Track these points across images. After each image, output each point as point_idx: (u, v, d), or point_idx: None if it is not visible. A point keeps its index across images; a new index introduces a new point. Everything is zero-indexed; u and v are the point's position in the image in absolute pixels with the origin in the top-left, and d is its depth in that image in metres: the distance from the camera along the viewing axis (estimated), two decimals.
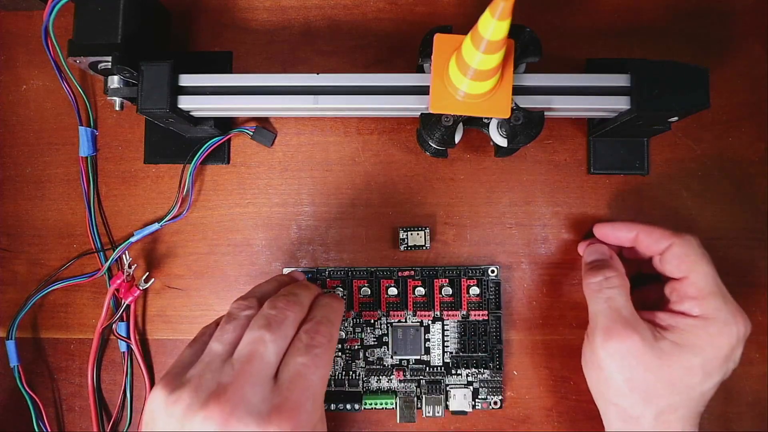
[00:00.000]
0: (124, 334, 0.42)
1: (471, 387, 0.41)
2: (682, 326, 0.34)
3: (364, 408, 0.41)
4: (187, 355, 0.32)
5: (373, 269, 0.42)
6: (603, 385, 0.36)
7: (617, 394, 0.35)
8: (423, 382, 0.41)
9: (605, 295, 0.36)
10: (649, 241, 0.37)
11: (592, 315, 0.37)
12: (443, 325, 0.42)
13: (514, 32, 0.33)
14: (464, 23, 0.34)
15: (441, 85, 0.34)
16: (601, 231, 0.40)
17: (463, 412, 0.41)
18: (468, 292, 0.41)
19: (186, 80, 0.37)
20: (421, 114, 0.36)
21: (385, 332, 0.42)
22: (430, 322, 0.42)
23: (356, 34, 0.44)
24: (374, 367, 0.42)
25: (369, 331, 0.42)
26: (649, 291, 0.40)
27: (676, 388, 0.34)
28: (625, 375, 0.34)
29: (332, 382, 0.42)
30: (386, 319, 0.42)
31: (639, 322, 0.35)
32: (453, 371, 0.41)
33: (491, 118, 0.37)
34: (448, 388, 0.41)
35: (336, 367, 0.42)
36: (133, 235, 0.42)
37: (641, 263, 0.40)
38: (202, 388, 0.29)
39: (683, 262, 0.35)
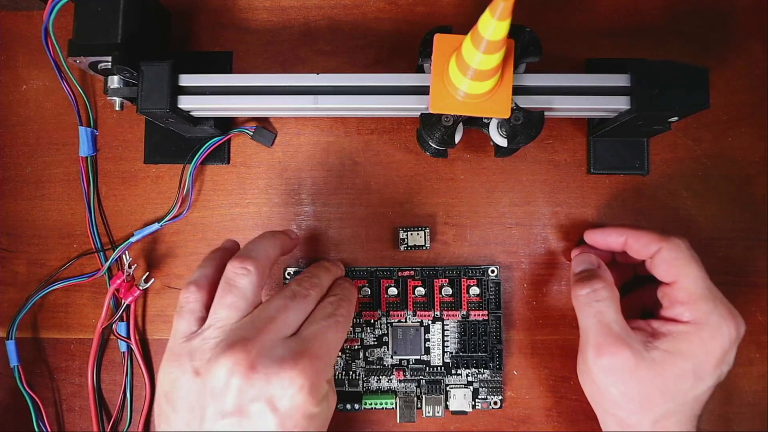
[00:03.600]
0: (124, 334, 0.42)
1: (471, 387, 0.41)
2: (674, 333, 0.34)
3: (364, 408, 0.41)
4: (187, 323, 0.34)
5: (373, 269, 0.42)
6: (598, 396, 0.36)
7: (613, 405, 0.35)
8: (423, 382, 0.42)
9: (594, 308, 0.35)
10: (638, 245, 0.37)
11: (582, 329, 0.36)
12: (443, 325, 0.42)
13: (514, 32, 0.33)
14: (464, 23, 0.34)
15: (441, 85, 0.34)
16: (592, 237, 0.40)
17: (463, 412, 0.41)
18: (468, 292, 0.41)
19: (186, 80, 0.37)
20: (421, 114, 0.36)
21: (385, 332, 0.42)
22: (430, 322, 0.42)
23: (356, 34, 0.44)
24: (374, 367, 0.42)
25: (369, 331, 0.42)
26: (645, 293, 0.40)
27: (669, 394, 0.34)
28: (619, 388, 0.34)
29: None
30: (386, 319, 0.42)
31: (629, 334, 0.34)
32: (453, 371, 0.41)
33: (491, 118, 0.37)
34: (448, 388, 0.41)
35: (336, 367, 0.42)
36: (133, 235, 0.42)
37: (636, 266, 0.40)
38: (227, 335, 0.31)
39: (672, 266, 0.35)
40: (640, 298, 0.40)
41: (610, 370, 0.34)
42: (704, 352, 0.34)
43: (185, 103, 0.37)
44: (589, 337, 0.35)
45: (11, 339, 0.42)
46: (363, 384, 0.42)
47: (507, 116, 0.34)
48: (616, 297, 0.36)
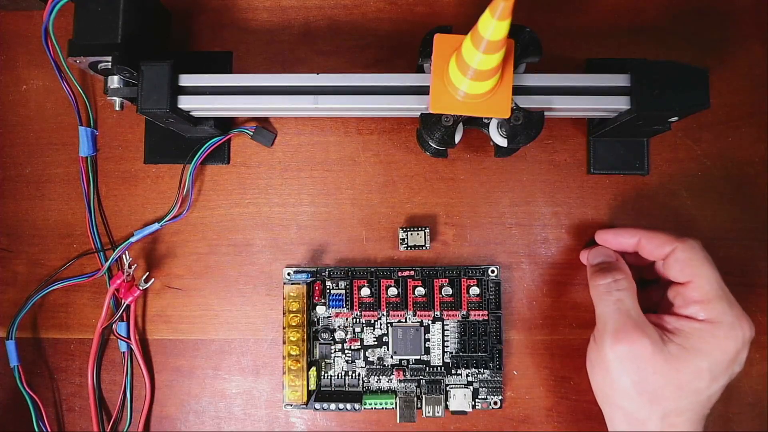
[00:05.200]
0: (124, 334, 0.42)
1: (471, 387, 0.41)
2: (688, 330, 0.35)
3: (364, 408, 0.40)
4: None
5: (373, 269, 0.42)
6: (609, 387, 0.36)
7: (623, 397, 0.35)
8: (423, 382, 0.42)
9: (614, 297, 0.36)
10: (651, 246, 0.37)
11: (600, 317, 0.37)
12: (443, 325, 0.42)
13: (514, 32, 0.33)
14: (464, 23, 0.34)
15: (441, 85, 0.34)
16: (603, 237, 0.40)
17: (463, 412, 0.41)
18: (468, 292, 0.41)
19: (186, 80, 0.37)
20: (421, 114, 0.36)
21: (385, 332, 0.42)
22: (430, 322, 0.42)
23: (356, 34, 0.44)
24: (374, 367, 0.42)
25: (369, 331, 0.42)
26: (651, 293, 0.40)
27: (683, 391, 0.34)
28: (633, 378, 0.34)
29: (332, 382, 0.42)
30: (386, 319, 0.42)
31: (647, 324, 0.35)
32: (453, 371, 0.41)
33: (491, 118, 0.37)
34: (448, 388, 0.41)
35: (336, 367, 0.42)
36: (133, 235, 0.42)
37: (642, 269, 0.40)
38: None
39: (687, 266, 0.35)
40: (646, 298, 0.40)
41: (626, 358, 0.34)
42: (720, 351, 0.34)
43: (185, 103, 0.37)
44: (607, 324, 0.35)
45: (11, 339, 0.42)
46: (363, 384, 0.42)
47: (507, 116, 0.34)
48: (634, 288, 0.37)
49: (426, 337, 0.42)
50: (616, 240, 0.40)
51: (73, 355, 0.43)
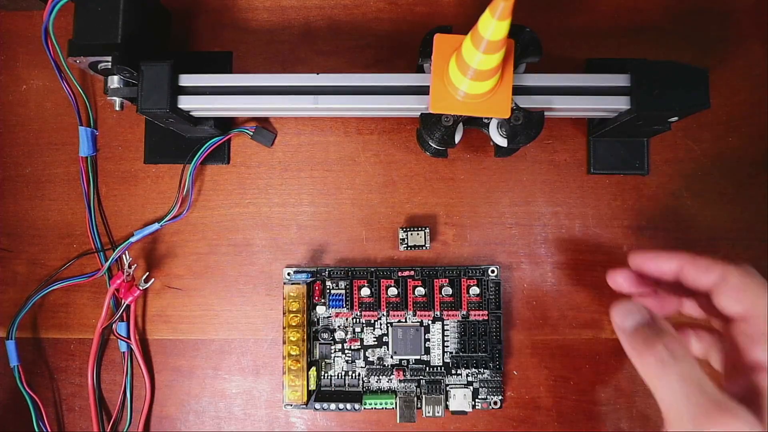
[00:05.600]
0: (124, 334, 0.42)
1: (471, 387, 0.41)
2: None
3: (364, 408, 0.40)
4: None
5: (373, 269, 0.42)
6: None
7: None
8: (423, 382, 0.41)
9: (675, 370, 0.27)
10: (696, 270, 0.31)
11: (664, 403, 0.27)
12: (443, 325, 0.42)
13: (514, 32, 0.33)
14: (464, 23, 0.34)
15: (441, 85, 0.34)
16: (638, 262, 0.34)
17: (463, 412, 0.41)
18: (468, 292, 0.41)
19: (186, 80, 0.37)
20: (421, 114, 0.36)
21: (385, 332, 0.42)
22: (430, 322, 0.42)
23: (356, 34, 0.44)
24: (374, 367, 0.42)
25: (369, 331, 0.42)
26: (663, 298, 0.35)
27: None
28: None
29: (332, 382, 0.42)
30: (386, 319, 0.42)
31: (727, 398, 0.26)
32: (453, 371, 0.41)
33: (491, 118, 0.37)
34: (448, 388, 0.41)
35: (336, 367, 0.42)
36: (133, 235, 0.42)
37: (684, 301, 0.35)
38: None
39: (743, 293, 0.29)
40: (660, 306, 0.35)
41: None
42: None
43: (185, 103, 0.37)
44: (680, 412, 0.26)
45: (11, 339, 0.42)
46: (363, 384, 0.42)
47: (507, 116, 0.34)
48: (691, 350, 0.31)
49: (426, 337, 0.42)
50: (654, 264, 0.33)
51: (73, 355, 0.43)
